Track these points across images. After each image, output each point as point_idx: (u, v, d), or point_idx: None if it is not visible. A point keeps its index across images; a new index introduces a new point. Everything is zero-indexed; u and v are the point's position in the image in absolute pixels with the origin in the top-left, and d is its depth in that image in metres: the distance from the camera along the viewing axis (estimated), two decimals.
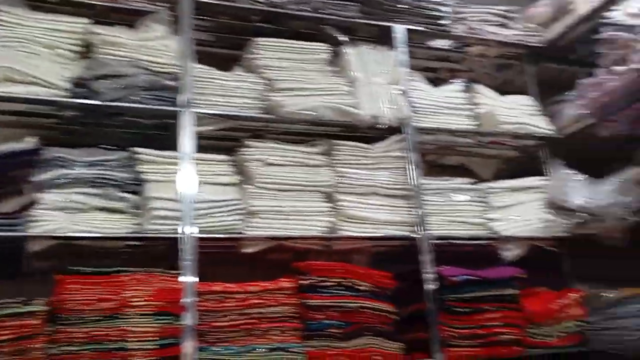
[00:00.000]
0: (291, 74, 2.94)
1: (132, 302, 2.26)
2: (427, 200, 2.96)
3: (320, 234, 2.74)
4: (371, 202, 2.88)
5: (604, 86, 3.09)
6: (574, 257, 3.20)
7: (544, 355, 2.89)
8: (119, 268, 2.34)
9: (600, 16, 3.17)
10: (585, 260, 3.13)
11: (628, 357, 2.80)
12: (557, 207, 3.14)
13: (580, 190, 3.06)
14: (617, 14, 3.06)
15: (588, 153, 3.31)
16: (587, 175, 3.13)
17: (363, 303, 2.58)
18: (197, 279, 2.39)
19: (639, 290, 2.91)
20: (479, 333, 2.72)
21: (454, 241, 2.95)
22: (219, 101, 2.79)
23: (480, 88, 3.35)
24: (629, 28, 2.96)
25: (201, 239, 2.49)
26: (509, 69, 3.66)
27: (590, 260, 3.11)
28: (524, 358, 2.83)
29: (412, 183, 2.94)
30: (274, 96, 2.84)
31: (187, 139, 2.62)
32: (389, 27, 3.20)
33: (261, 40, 2.97)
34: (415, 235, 2.86)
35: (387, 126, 2.98)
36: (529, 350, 2.83)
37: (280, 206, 2.70)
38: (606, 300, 2.96)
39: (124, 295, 2.26)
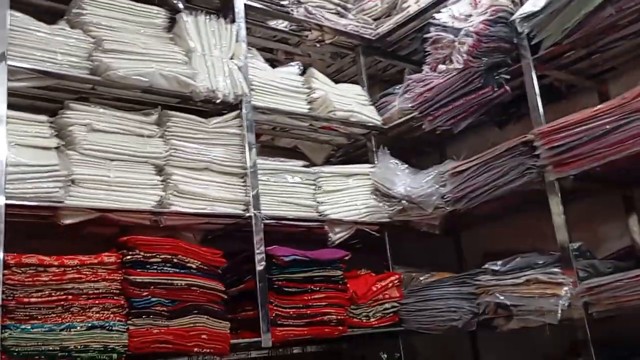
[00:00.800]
0: (123, 35, 2.74)
1: None
2: (261, 180, 2.92)
3: (149, 208, 2.58)
4: (204, 177, 2.78)
5: (428, 83, 3.28)
6: (395, 242, 3.37)
7: (363, 335, 3.01)
8: None
9: (428, 16, 3.36)
10: (404, 244, 3.33)
11: (437, 335, 3.01)
12: (382, 194, 3.29)
13: (403, 179, 3.24)
14: (443, 16, 3.24)
15: (411, 144, 3.51)
16: (409, 165, 3.31)
17: (192, 281, 2.48)
18: (1, 251, 2.12)
19: (447, 275, 3.15)
20: (306, 313, 2.76)
21: (285, 221, 2.96)
22: (38, 56, 2.50)
23: (315, 73, 3.40)
24: (453, 30, 3.16)
25: (10, 206, 2.21)
26: (343, 58, 3.76)
27: (409, 245, 3.32)
28: (345, 337, 2.92)
29: (247, 161, 2.89)
30: (102, 57, 2.62)
31: None
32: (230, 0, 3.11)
33: None
34: (247, 214, 2.81)
35: (223, 101, 2.89)
36: (351, 330, 2.92)
37: (106, 176, 2.51)
38: (420, 283, 3.16)
39: None
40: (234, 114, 2.95)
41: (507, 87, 2.96)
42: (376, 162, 3.43)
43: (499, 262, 2.78)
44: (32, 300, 2.12)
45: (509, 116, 3.34)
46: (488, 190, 2.90)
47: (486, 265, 2.82)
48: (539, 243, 2.87)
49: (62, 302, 2.17)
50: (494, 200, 2.90)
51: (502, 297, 2.72)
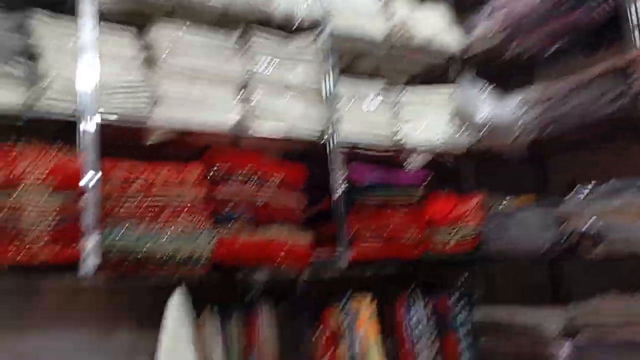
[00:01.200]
0: None
1: (27, 176, 2.03)
2: (340, 104, 2.90)
3: (230, 128, 2.59)
4: (283, 99, 2.77)
5: (515, 6, 3.14)
6: (476, 169, 3.29)
7: (440, 260, 2.99)
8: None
9: None
10: (485, 171, 3.25)
11: (517, 262, 2.95)
12: (464, 119, 3.21)
13: (487, 104, 3.13)
14: None
15: (496, 70, 3.38)
16: (494, 90, 3.20)
17: (273, 195, 2.51)
18: (98, 160, 2.22)
19: (531, 198, 3.05)
20: (384, 232, 2.77)
21: (362, 148, 2.93)
22: None
23: None
24: None
25: (105, 125, 2.29)
26: None
27: (490, 172, 3.23)
28: (421, 261, 2.91)
29: (326, 85, 2.87)
30: None
31: (89, 11, 2.37)
32: None
33: None
34: (325, 138, 2.81)
35: (301, 25, 2.86)
36: (428, 253, 2.91)
37: (189, 94, 2.53)
38: (501, 209, 3.09)
39: (16, 168, 2.02)
40: (313, 36, 2.92)
41: (601, 9, 2.79)
42: (458, 87, 3.32)
43: (589, 186, 2.68)
44: (123, 209, 2.21)
45: (601, 41, 3.15)
46: (577, 117, 2.77)
47: (574, 190, 2.72)
48: (630, 172, 2.73)
49: (151, 212, 2.24)
50: (582, 127, 2.77)
51: (589, 223, 2.62)
